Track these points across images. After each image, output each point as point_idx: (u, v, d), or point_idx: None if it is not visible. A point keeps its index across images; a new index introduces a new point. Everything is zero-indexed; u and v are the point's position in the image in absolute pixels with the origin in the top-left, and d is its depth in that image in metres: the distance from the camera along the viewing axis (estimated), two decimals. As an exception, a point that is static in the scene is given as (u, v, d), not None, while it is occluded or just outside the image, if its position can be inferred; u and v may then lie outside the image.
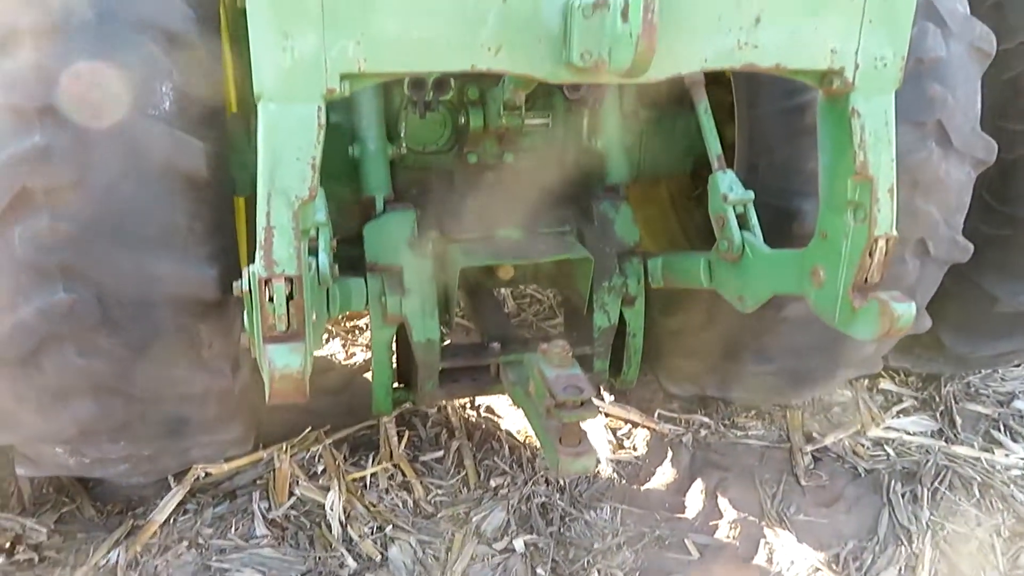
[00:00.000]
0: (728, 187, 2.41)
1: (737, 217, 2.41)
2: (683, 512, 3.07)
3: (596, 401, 3.53)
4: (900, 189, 2.05)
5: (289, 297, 1.64)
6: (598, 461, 3.21)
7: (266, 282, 1.62)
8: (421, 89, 2.57)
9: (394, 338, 2.68)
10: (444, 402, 3.45)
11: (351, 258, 2.68)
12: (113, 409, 2.27)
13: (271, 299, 1.63)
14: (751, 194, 2.42)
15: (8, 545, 2.70)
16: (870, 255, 1.99)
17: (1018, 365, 4.07)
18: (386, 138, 2.76)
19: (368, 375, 3.60)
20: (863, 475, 3.28)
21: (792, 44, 1.81)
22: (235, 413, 2.59)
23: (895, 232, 1.99)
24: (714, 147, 2.50)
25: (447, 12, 1.61)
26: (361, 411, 3.30)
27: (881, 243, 1.98)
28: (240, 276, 2.39)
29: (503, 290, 4.35)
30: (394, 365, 2.77)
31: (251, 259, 1.65)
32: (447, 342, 2.91)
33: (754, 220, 2.42)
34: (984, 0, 3.03)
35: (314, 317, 1.85)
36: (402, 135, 2.82)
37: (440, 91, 2.60)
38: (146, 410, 2.33)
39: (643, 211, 4.09)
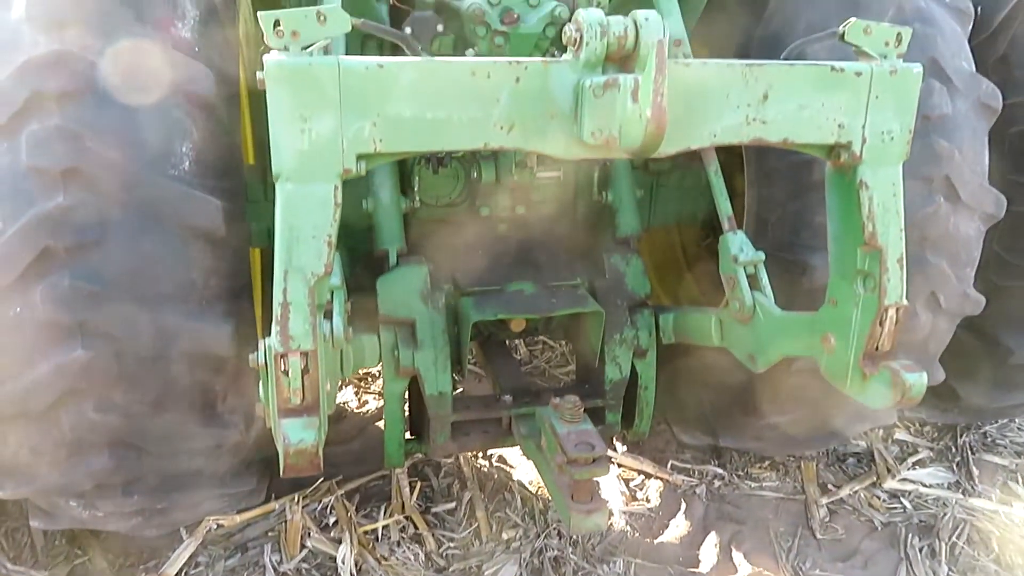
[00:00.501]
0: (739, 248, 2.43)
1: (748, 278, 2.42)
2: (697, 566, 3.03)
3: (609, 453, 3.51)
4: (910, 243, 2.07)
5: (304, 371, 1.67)
6: (611, 516, 3.18)
7: (281, 356, 1.65)
8: (435, 146, 2.62)
9: (407, 390, 2.69)
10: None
11: (364, 309, 2.71)
12: (128, 463, 2.28)
13: (286, 373, 1.66)
14: (761, 255, 2.43)
15: (20, 597, 2.70)
16: (880, 324, 2.00)
17: (1035, 415, 4.04)
18: (400, 192, 2.80)
19: (380, 423, 3.60)
20: (879, 528, 3.24)
21: (800, 119, 1.85)
22: (248, 465, 2.60)
23: (905, 301, 2.00)
24: (724, 208, 2.52)
25: (461, 93, 1.66)
26: (373, 460, 3.29)
27: (892, 312, 1.99)
28: (253, 329, 2.45)
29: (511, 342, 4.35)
30: (406, 416, 2.78)
31: (266, 328, 1.68)
32: (459, 390, 2.92)
33: (765, 280, 2.43)
34: (990, 56, 3.07)
35: (327, 387, 1.87)
36: (415, 189, 2.87)
37: (453, 147, 2.64)
38: (160, 464, 2.34)
39: (654, 259, 4.13)
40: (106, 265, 2.04)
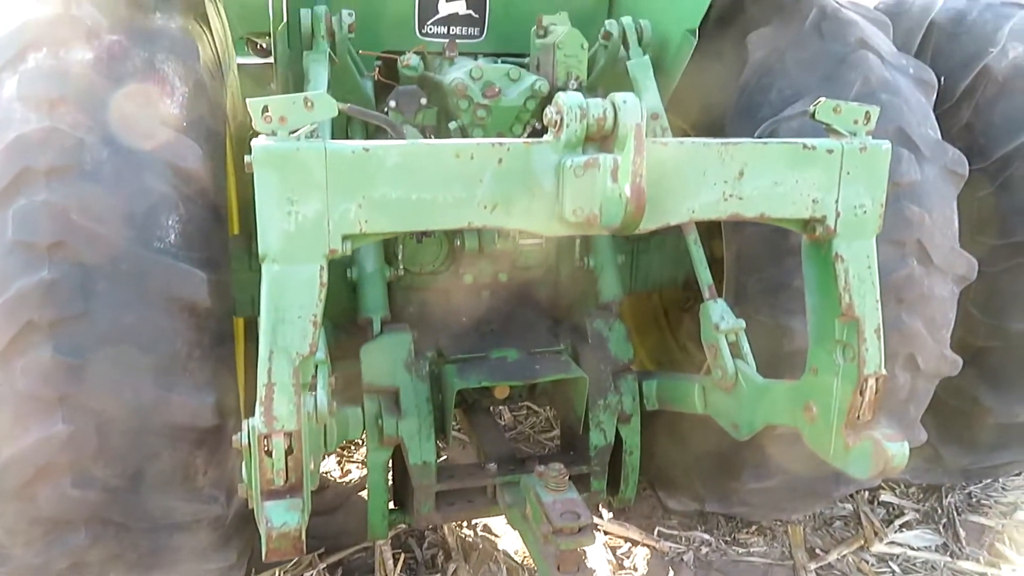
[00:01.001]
0: (719, 316, 2.45)
1: (729, 346, 2.44)
2: (687, 636, 2.99)
3: (595, 520, 3.48)
4: (886, 306, 2.11)
5: (288, 451, 1.67)
6: (598, 584, 3.14)
7: (265, 437, 1.65)
8: (418, 215, 2.66)
9: (390, 459, 2.67)
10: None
11: (348, 377, 2.71)
12: (106, 540, 2.23)
13: (269, 454, 1.65)
14: (742, 323, 2.45)
15: None
16: (861, 393, 2.03)
17: (1018, 474, 4.05)
18: (384, 261, 2.83)
19: (362, 493, 3.55)
20: (869, 594, 3.21)
21: (775, 195, 1.90)
22: (229, 540, 2.54)
23: (884, 371, 2.03)
24: (704, 277, 2.55)
25: (445, 174, 1.70)
26: (356, 531, 3.24)
27: (871, 382, 2.02)
28: (236, 401, 2.43)
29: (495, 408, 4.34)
30: (390, 486, 2.75)
31: (249, 405, 1.68)
32: (443, 458, 2.89)
33: (746, 348, 2.45)
34: (954, 124, 3.18)
35: (311, 464, 1.86)
36: (399, 257, 2.89)
37: (437, 217, 2.68)
38: (139, 540, 2.28)
39: (636, 322, 4.16)
40: (89, 338, 2.03)
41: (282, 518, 1.64)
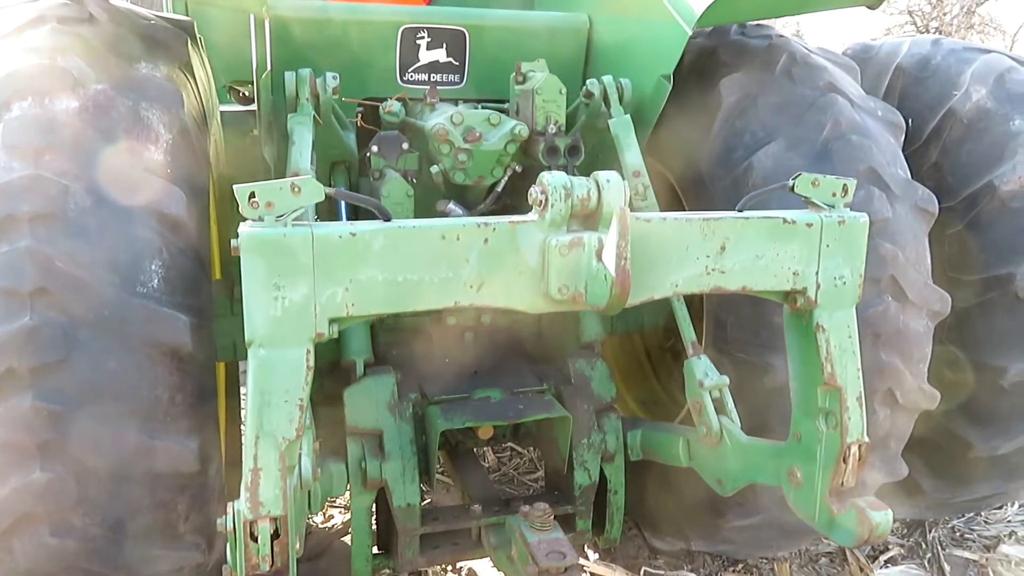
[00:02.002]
0: (703, 373, 2.46)
1: (714, 402, 2.45)
2: None
3: (581, 560, 3.45)
4: (863, 342, 2.15)
5: (274, 536, 1.65)
6: (585, 627, 3.11)
7: (251, 522, 1.64)
8: (401, 257, 2.68)
9: (374, 503, 2.65)
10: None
11: (331, 421, 2.70)
12: (84, 591, 2.19)
13: (255, 539, 1.64)
14: (726, 379, 2.47)
15: None
16: (844, 460, 2.06)
17: (1000, 507, 4.08)
18: (366, 303, 2.84)
19: (345, 538, 3.51)
20: (857, 631, 3.20)
21: (756, 268, 1.95)
22: (209, 588, 2.51)
23: (867, 438, 2.07)
24: (687, 333, 2.57)
25: (432, 256, 1.71)
26: (338, 578, 3.20)
27: (854, 449, 2.05)
28: (217, 446, 2.41)
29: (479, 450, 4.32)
30: (373, 530, 2.72)
31: (231, 460, 1.67)
32: (427, 501, 2.88)
33: (731, 405, 2.46)
34: (923, 164, 3.28)
35: (297, 534, 1.85)
36: (382, 300, 2.90)
37: (419, 259, 2.71)
38: (118, 591, 2.25)
39: (618, 363, 4.18)
40: (70, 384, 2.01)
41: None
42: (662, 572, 3.48)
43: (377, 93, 3.10)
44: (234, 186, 1.63)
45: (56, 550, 2.10)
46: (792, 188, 2.00)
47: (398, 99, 2.94)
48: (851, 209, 2.63)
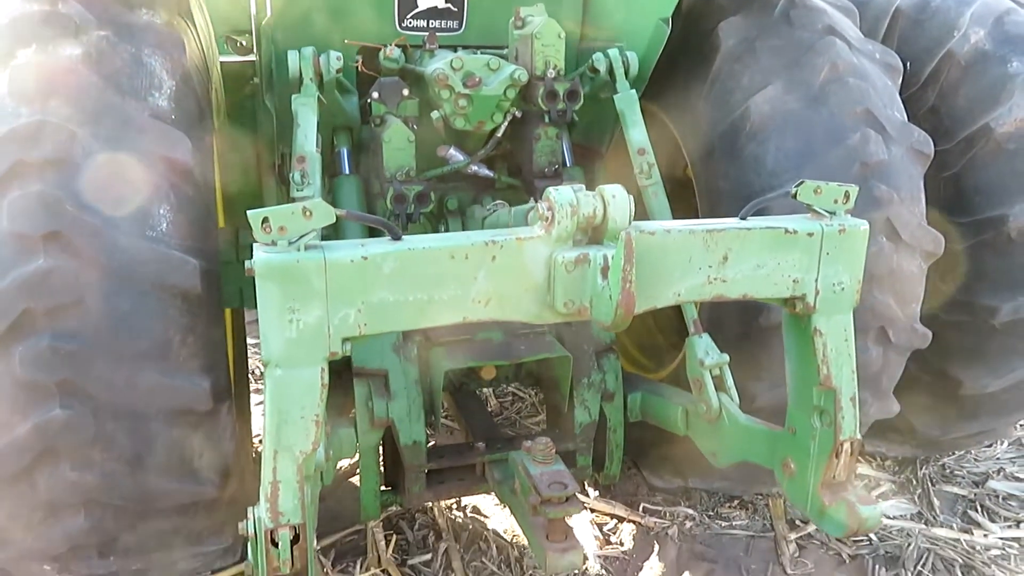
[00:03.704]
0: (704, 351, 2.53)
1: (714, 379, 2.52)
2: (672, 607, 3.08)
3: (581, 497, 3.56)
4: (857, 282, 2.20)
5: (294, 541, 1.73)
6: (585, 557, 3.22)
7: (271, 530, 1.72)
8: (403, 203, 2.73)
9: (381, 442, 2.74)
10: (431, 504, 3.47)
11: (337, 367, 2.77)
12: (104, 523, 2.28)
13: (275, 544, 1.72)
14: (726, 357, 2.54)
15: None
16: (836, 456, 2.13)
17: (989, 445, 4.18)
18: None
19: (351, 479, 3.62)
20: (847, 561, 3.32)
21: (757, 277, 1.98)
22: (223, 524, 2.60)
23: (859, 436, 2.14)
24: (690, 312, 2.62)
25: (441, 275, 1.75)
26: (347, 516, 3.31)
27: (846, 446, 2.12)
28: (228, 386, 2.49)
29: (485, 389, 4.41)
30: (381, 468, 2.82)
31: (256, 496, 1.74)
32: (432, 443, 2.96)
33: (730, 382, 2.54)
34: (920, 107, 3.29)
35: (311, 505, 1.93)
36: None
37: (422, 204, 2.76)
38: (136, 523, 2.34)
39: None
40: (85, 325, 2.08)
41: None
42: (660, 508, 3.59)
43: (375, 40, 3.10)
44: (248, 212, 1.66)
45: (76, 484, 2.19)
46: (795, 195, 2.02)
47: (398, 45, 2.95)
48: (850, 157, 2.66)
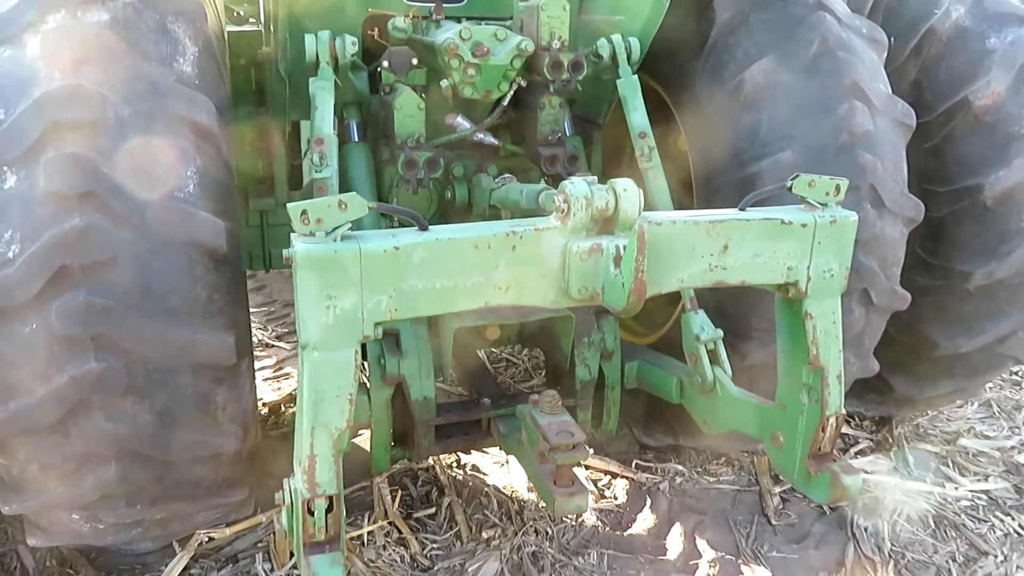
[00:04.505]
0: (699, 327, 2.70)
1: (708, 353, 2.69)
2: (665, 554, 3.25)
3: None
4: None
5: (328, 510, 1.88)
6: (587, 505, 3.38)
7: (308, 500, 1.87)
8: (413, 168, 2.84)
9: (391, 398, 2.86)
10: (433, 462, 3.61)
11: None
12: (133, 473, 2.39)
13: (311, 512, 1.87)
14: (720, 332, 2.71)
15: (15, 617, 2.75)
16: (823, 430, 2.32)
17: (961, 406, 4.40)
18: (380, 215, 2.99)
19: (354, 439, 3.73)
20: (828, 512, 3.51)
21: (755, 264, 2.14)
22: (242, 476, 2.72)
23: (844, 411, 2.32)
24: (687, 291, 2.76)
25: (466, 264, 1.90)
26: (353, 472, 3.43)
27: (832, 420, 2.31)
28: (250, 342, 2.59)
29: (482, 354, 4.55)
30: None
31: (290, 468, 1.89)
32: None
33: (723, 356, 2.71)
34: (903, 80, 3.44)
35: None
36: (395, 209, 3.06)
37: (431, 169, 2.87)
38: (163, 473, 2.45)
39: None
40: (118, 282, 2.18)
41: (327, 572, 1.87)
42: (651, 465, 3.76)
43: (385, 9, 3.18)
44: (287, 204, 1.79)
45: (109, 434, 2.29)
46: (790, 188, 2.18)
47: (413, 17, 3.02)
48: (838, 127, 2.79)
